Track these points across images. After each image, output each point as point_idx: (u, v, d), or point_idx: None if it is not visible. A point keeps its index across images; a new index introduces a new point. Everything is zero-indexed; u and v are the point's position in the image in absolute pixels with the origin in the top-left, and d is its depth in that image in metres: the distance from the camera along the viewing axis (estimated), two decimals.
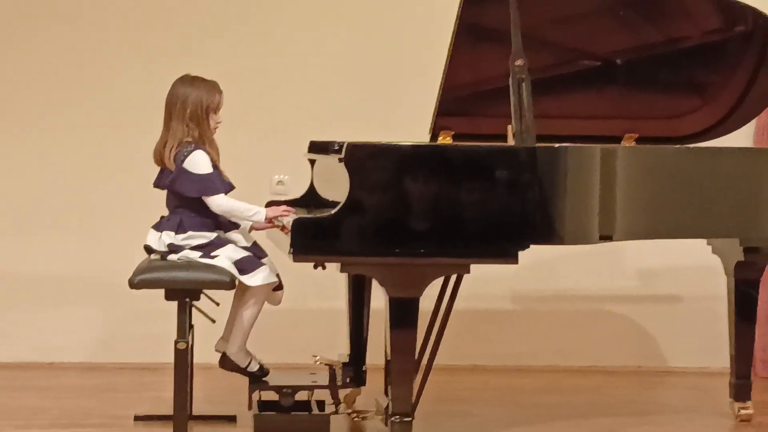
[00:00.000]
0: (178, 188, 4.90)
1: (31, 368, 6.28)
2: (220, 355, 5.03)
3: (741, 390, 5.36)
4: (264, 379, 5.01)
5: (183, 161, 4.88)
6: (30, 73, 6.36)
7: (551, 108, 5.15)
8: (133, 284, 4.80)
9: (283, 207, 5.00)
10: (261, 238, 5.12)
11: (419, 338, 4.68)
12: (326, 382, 5.04)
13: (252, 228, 5.06)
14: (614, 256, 6.41)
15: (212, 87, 4.97)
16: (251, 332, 5.01)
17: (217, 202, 4.88)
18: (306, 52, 6.41)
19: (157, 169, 5.00)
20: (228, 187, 4.94)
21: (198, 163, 4.87)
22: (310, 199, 5.39)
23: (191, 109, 4.91)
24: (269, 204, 5.19)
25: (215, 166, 4.91)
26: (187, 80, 4.97)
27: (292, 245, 4.49)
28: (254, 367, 5.00)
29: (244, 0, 6.40)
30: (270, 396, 4.98)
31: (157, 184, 5.00)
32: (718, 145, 5.41)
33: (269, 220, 4.92)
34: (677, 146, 5.37)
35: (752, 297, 5.28)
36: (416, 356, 4.73)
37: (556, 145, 4.65)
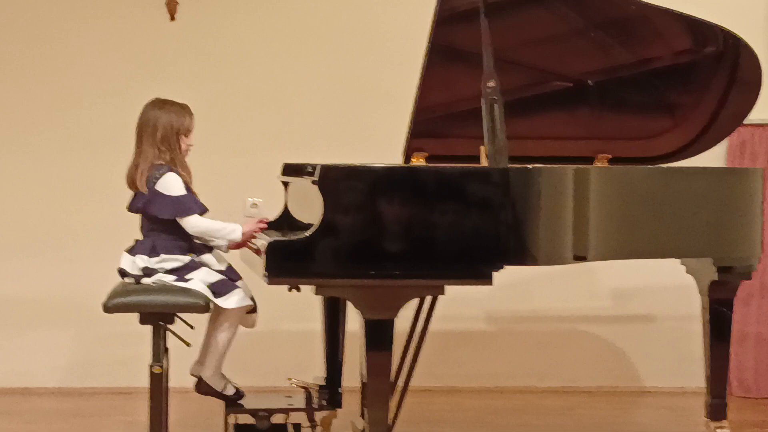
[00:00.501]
0: (152, 211, 4.89)
1: (3, 393, 6.24)
2: (195, 379, 5.01)
3: (716, 409, 5.36)
4: (240, 402, 5.00)
5: (155, 183, 4.86)
6: (3, 92, 6.34)
7: (524, 129, 5.16)
8: (108, 308, 4.78)
9: (258, 222, 4.98)
10: (235, 260, 5.11)
11: (395, 360, 4.67)
12: (302, 405, 5.02)
13: (229, 246, 5.04)
14: (588, 277, 6.42)
15: (183, 110, 4.96)
16: (227, 355, 4.99)
17: (192, 223, 4.87)
18: (279, 75, 6.41)
19: (131, 192, 4.98)
20: (202, 209, 4.93)
21: (170, 185, 4.86)
22: (284, 221, 5.39)
23: (162, 132, 4.90)
24: None
25: (188, 188, 4.90)
26: (158, 103, 4.97)
27: (266, 268, 4.47)
28: (230, 391, 4.99)
29: (217, 23, 6.41)
30: (246, 419, 4.97)
31: (131, 208, 4.98)
32: (691, 165, 5.43)
33: (246, 237, 4.91)
34: (650, 166, 5.39)
35: (726, 316, 5.29)
36: (392, 378, 4.72)
37: (529, 166, 4.66)
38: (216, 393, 4.98)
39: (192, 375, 5.03)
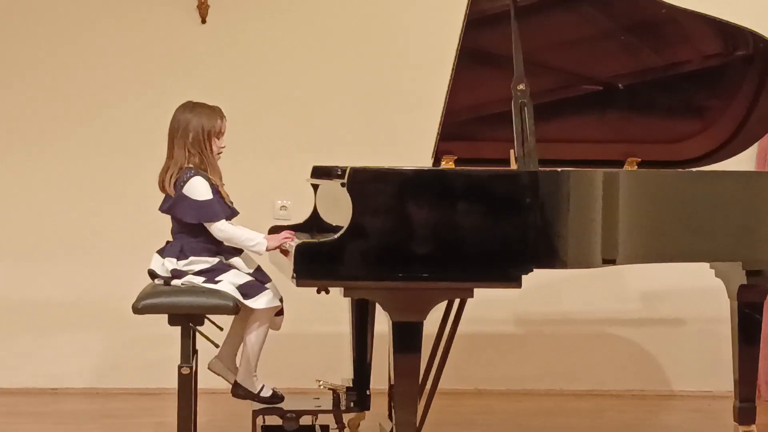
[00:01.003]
0: (178, 214, 4.91)
1: (33, 394, 6.28)
2: (219, 378, 5.02)
3: (745, 413, 5.35)
4: (277, 404, 5.00)
5: (182, 187, 4.88)
6: (34, 98, 6.38)
7: (553, 132, 5.15)
8: (137, 309, 4.80)
9: (283, 234, 4.98)
10: (264, 262, 5.13)
11: (423, 362, 4.68)
12: (330, 407, 5.04)
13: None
14: (617, 280, 6.41)
15: (214, 112, 4.98)
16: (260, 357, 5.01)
17: (218, 228, 4.89)
18: (309, 77, 6.43)
19: (162, 194, 5.01)
20: (230, 213, 4.94)
21: (197, 189, 4.88)
22: (313, 223, 5.40)
23: (192, 135, 4.92)
24: (272, 230, 5.20)
25: (217, 192, 4.92)
26: (189, 106, 4.99)
27: (295, 270, 4.49)
28: (267, 393, 5.00)
29: (247, 26, 6.43)
30: (274, 420, 4.98)
31: (162, 209, 5.00)
32: (720, 168, 5.41)
33: (271, 250, 4.92)
34: (679, 170, 5.38)
35: (756, 320, 5.27)
36: (420, 380, 4.72)
37: (559, 169, 4.66)
38: (253, 396, 4.99)
39: (209, 369, 5.03)
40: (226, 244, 4.93)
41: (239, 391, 4.99)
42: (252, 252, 4.95)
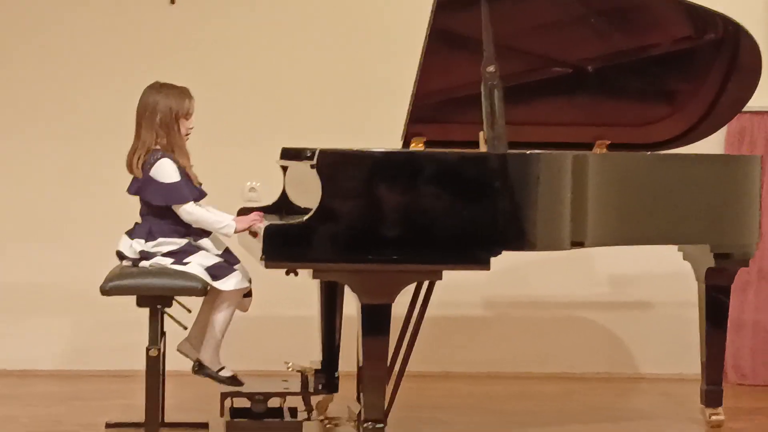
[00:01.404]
0: (146, 196, 4.90)
1: (2, 376, 6.24)
2: (189, 360, 5.01)
3: (712, 396, 5.38)
4: (236, 386, 5.00)
5: (149, 170, 4.86)
6: (1, 80, 6.33)
7: (523, 115, 5.16)
8: (105, 291, 4.78)
9: (252, 216, 4.97)
10: (233, 244, 5.11)
11: (391, 345, 4.68)
12: (298, 389, 5.03)
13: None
14: (586, 263, 6.43)
15: (182, 93, 4.95)
16: (225, 340, 4.99)
17: (187, 211, 4.87)
18: (279, 60, 6.41)
19: (130, 177, 4.98)
20: (198, 195, 4.92)
21: (164, 171, 4.86)
22: (282, 205, 5.39)
23: (161, 116, 4.90)
24: (241, 211, 5.19)
25: (185, 173, 4.90)
26: (156, 87, 4.96)
27: (263, 252, 4.48)
28: (227, 373, 4.99)
29: (217, 8, 6.40)
30: (242, 403, 4.97)
31: (129, 191, 4.98)
32: (690, 152, 5.43)
33: (240, 232, 4.91)
34: (648, 153, 5.40)
35: (723, 303, 5.30)
36: (388, 363, 4.72)
37: (528, 152, 4.66)
38: (213, 375, 4.98)
39: (178, 350, 5.02)
40: (194, 226, 4.91)
41: (201, 370, 4.98)
42: (221, 234, 4.93)
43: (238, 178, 6.32)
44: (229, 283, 4.85)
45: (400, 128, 5.15)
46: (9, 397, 5.84)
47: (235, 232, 4.88)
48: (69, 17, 6.35)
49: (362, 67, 6.40)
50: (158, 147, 4.89)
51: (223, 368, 4.99)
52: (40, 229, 6.34)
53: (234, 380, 4.99)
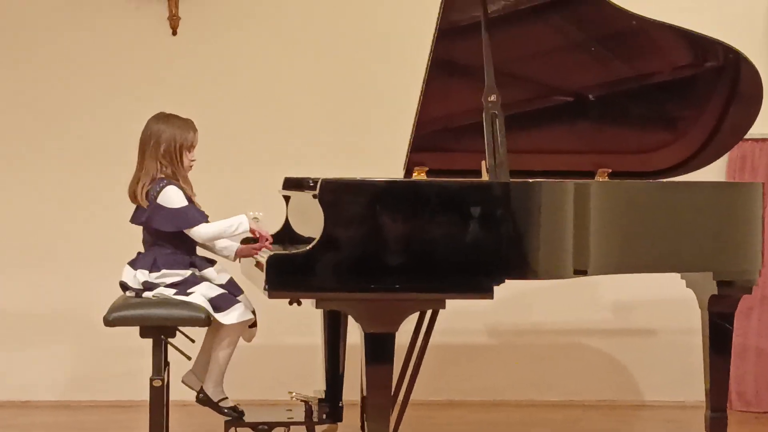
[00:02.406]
0: (155, 225, 4.90)
1: (3, 407, 6.24)
2: (193, 391, 5.01)
3: (716, 423, 5.36)
4: (236, 417, 4.99)
5: (156, 197, 4.87)
6: (4, 105, 6.35)
7: (525, 143, 5.16)
8: (108, 321, 4.78)
9: (264, 232, 4.99)
10: (236, 274, 5.11)
11: (395, 373, 4.67)
12: (303, 418, 5.03)
13: (237, 255, 5.05)
14: (589, 290, 6.43)
15: (187, 125, 4.97)
16: (229, 369, 4.99)
17: (200, 232, 4.88)
18: (280, 89, 6.43)
19: (132, 205, 4.99)
20: (205, 219, 4.93)
21: (171, 197, 4.87)
22: (285, 235, 5.39)
23: (164, 146, 4.91)
24: (244, 241, 5.19)
25: (189, 199, 4.91)
26: (162, 117, 4.98)
27: (266, 281, 4.48)
28: (228, 404, 4.98)
29: (218, 38, 6.42)
30: None
31: (133, 220, 4.99)
32: (691, 179, 5.44)
33: (253, 231, 4.92)
34: (650, 181, 5.40)
35: (727, 330, 5.29)
36: (392, 391, 4.72)
37: (530, 180, 4.67)
38: (215, 406, 4.97)
39: (183, 382, 5.02)
40: (199, 251, 4.92)
41: (203, 398, 4.98)
42: (238, 233, 4.92)
43: (240, 208, 6.31)
44: (231, 317, 4.85)
45: (402, 154, 5.16)
46: (10, 427, 5.83)
47: (249, 230, 4.88)
48: (73, 46, 6.37)
49: (364, 93, 6.42)
50: (163, 176, 4.90)
51: (225, 399, 4.98)
52: (41, 257, 6.35)
53: (235, 411, 4.99)
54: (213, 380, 4.97)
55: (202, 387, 4.98)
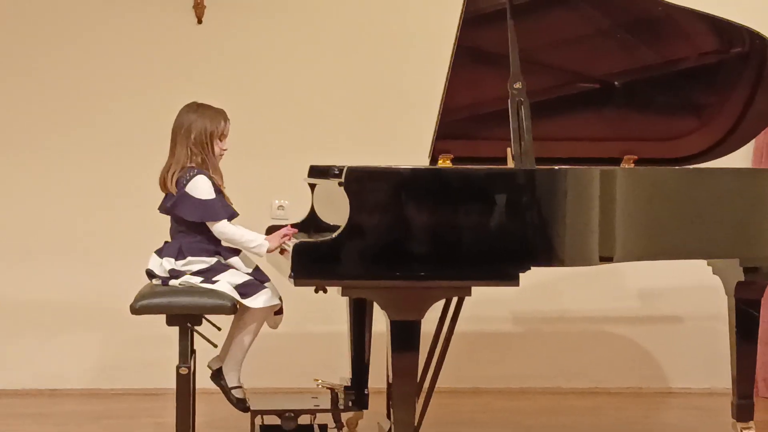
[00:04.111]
0: (180, 212, 4.92)
1: (32, 395, 6.28)
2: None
3: (743, 410, 5.35)
4: (266, 402, 5.01)
5: (185, 185, 4.89)
6: (30, 98, 6.38)
7: (550, 130, 5.16)
8: (135, 310, 4.80)
9: (283, 231, 4.99)
10: (262, 262, 5.13)
11: (421, 361, 4.68)
12: (328, 406, 5.04)
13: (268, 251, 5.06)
14: (615, 277, 6.42)
15: (218, 114, 4.99)
16: (251, 356, 5.01)
17: (220, 229, 4.89)
18: (306, 77, 6.43)
19: (160, 194, 5.01)
20: (231, 214, 4.95)
21: (200, 187, 4.89)
22: (311, 223, 5.40)
23: (195, 135, 4.94)
24: (270, 229, 5.21)
25: (218, 192, 4.93)
26: (194, 107, 5.00)
27: (292, 269, 4.49)
28: (238, 395, 4.99)
29: (243, 26, 6.43)
30: (272, 420, 4.98)
31: (161, 209, 5.01)
32: (717, 166, 5.42)
33: (271, 251, 4.93)
34: (676, 167, 5.38)
35: (753, 317, 5.28)
36: (418, 379, 4.73)
37: (556, 167, 4.66)
38: (226, 390, 4.99)
39: (209, 367, 5.04)
40: (224, 244, 4.94)
41: (217, 378, 4.99)
42: (252, 253, 4.95)
43: (266, 196, 6.34)
44: (258, 301, 4.87)
45: (428, 141, 5.16)
46: (40, 415, 5.87)
47: (268, 251, 4.91)
48: (98, 35, 6.38)
49: (389, 80, 6.42)
50: (193, 165, 4.92)
51: (238, 387, 4.99)
52: (70, 246, 6.37)
53: (242, 404, 4.99)
54: (232, 362, 4.99)
55: (221, 367, 4.99)
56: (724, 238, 4.98)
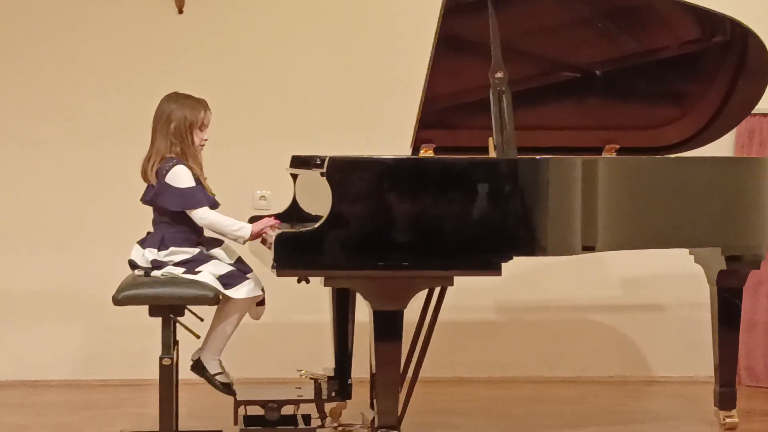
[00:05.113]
0: (161, 203, 4.91)
1: (13, 386, 6.26)
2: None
3: (726, 398, 5.37)
4: (250, 392, 5.01)
5: (165, 176, 4.88)
6: (12, 89, 6.35)
7: (532, 120, 5.17)
8: (117, 300, 4.79)
9: (266, 220, 4.99)
10: (245, 253, 5.12)
11: (404, 350, 4.69)
12: (312, 396, 5.04)
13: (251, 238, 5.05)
14: (597, 266, 6.43)
15: (198, 104, 4.98)
16: (234, 347, 5.00)
17: (201, 215, 4.88)
18: (287, 67, 6.42)
19: (143, 185, 5.00)
20: (212, 202, 4.94)
21: (179, 177, 4.88)
22: (293, 213, 5.40)
23: (175, 124, 4.92)
24: (252, 219, 5.20)
25: (198, 181, 4.92)
26: (173, 97, 4.99)
27: (275, 260, 4.49)
28: (223, 380, 4.99)
29: (224, 16, 6.41)
30: (255, 410, 4.97)
31: (143, 199, 5.00)
32: (699, 154, 5.43)
33: (255, 237, 4.92)
34: (658, 156, 5.39)
35: (735, 305, 5.30)
36: (401, 368, 4.73)
37: (538, 156, 4.66)
38: (210, 378, 4.98)
39: (192, 360, 5.04)
40: (207, 233, 4.93)
41: (198, 369, 4.99)
42: (235, 238, 4.94)
43: (248, 187, 6.33)
44: (241, 292, 4.86)
45: (410, 131, 5.16)
46: (21, 406, 5.85)
47: (251, 235, 4.89)
48: (78, 24, 6.35)
49: (370, 71, 6.40)
50: (173, 155, 4.91)
51: (221, 373, 4.99)
52: (52, 236, 6.35)
53: (228, 389, 4.99)
54: (212, 351, 4.97)
55: (200, 357, 4.98)
56: (707, 226, 4.99)
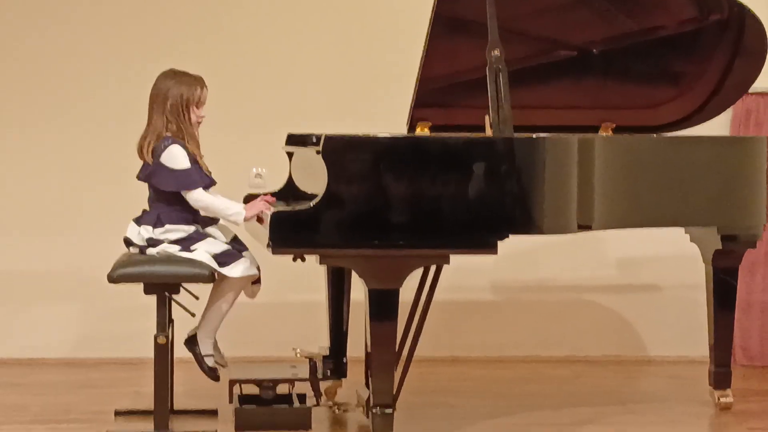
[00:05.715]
0: (156, 183, 4.90)
1: (10, 365, 6.26)
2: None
3: (721, 378, 5.38)
4: (245, 371, 5.01)
5: (160, 155, 4.87)
6: (9, 69, 6.33)
7: (528, 98, 5.16)
8: (112, 279, 4.79)
9: (260, 201, 4.97)
10: (240, 231, 5.11)
11: (399, 329, 4.69)
12: (307, 375, 5.04)
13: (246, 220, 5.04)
14: (594, 246, 6.43)
15: (195, 81, 4.96)
16: (230, 326, 5.00)
17: (195, 197, 4.87)
18: (284, 46, 6.40)
19: (138, 164, 4.99)
20: (208, 182, 4.93)
21: (175, 157, 4.87)
22: (289, 191, 5.39)
23: (171, 102, 4.91)
24: (247, 198, 5.19)
25: (194, 161, 4.90)
26: (170, 74, 4.97)
27: (270, 238, 4.48)
28: (210, 362, 4.99)
29: None
30: (251, 389, 4.98)
31: (139, 177, 4.99)
32: (696, 133, 5.43)
33: (249, 219, 4.91)
34: (654, 135, 5.39)
35: (731, 285, 5.30)
36: (396, 348, 4.73)
37: (534, 135, 4.66)
38: (199, 357, 4.98)
39: (188, 335, 5.04)
40: (203, 213, 4.92)
41: (190, 344, 4.98)
42: (230, 221, 4.94)
43: (243, 165, 6.31)
44: (236, 270, 4.86)
45: (406, 113, 5.15)
46: (18, 385, 5.85)
47: (245, 219, 4.89)
48: (78, 7, 6.34)
49: (367, 52, 6.39)
50: (169, 134, 4.89)
51: (210, 356, 4.98)
52: (47, 217, 6.35)
53: (213, 372, 4.99)
54: (207, 329, 4.98)
55: (196, 333, 4.98)
56: (703, 205, 4.99)
